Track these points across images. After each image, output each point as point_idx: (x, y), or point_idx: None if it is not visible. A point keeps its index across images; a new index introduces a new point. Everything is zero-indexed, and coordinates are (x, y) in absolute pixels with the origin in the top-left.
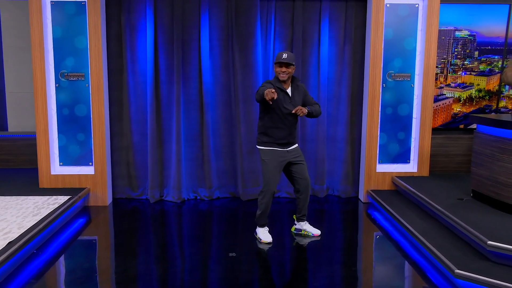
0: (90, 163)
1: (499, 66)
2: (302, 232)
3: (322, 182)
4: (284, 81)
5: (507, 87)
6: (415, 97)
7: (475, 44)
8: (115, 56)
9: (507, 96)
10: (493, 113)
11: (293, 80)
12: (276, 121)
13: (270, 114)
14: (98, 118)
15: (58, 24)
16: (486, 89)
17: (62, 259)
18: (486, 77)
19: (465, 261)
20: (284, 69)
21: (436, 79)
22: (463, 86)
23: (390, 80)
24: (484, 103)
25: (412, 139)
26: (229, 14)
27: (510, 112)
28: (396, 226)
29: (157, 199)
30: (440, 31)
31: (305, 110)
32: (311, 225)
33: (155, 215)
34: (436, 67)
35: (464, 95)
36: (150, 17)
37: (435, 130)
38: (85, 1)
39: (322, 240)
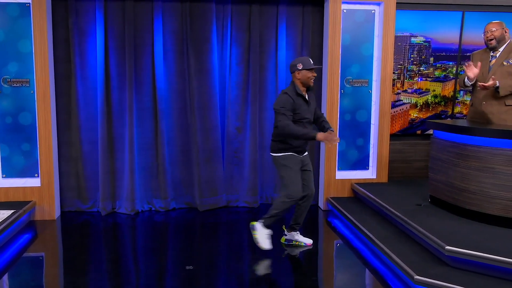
0: (36, 175)
1: (454, 72)
2: (293, 242)
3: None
4: (306, 88)
5: (461, 92)
6: (373, 103)
7: (430, 50)
8: (63, 61)
9: (461, 102)
10: (448, 119)
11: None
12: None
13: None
14: (44, 127)
15: (0, 26)
16: (441, 95)
17: (5, 278)
18: (441, 83)
19: (424, 267)
20: (314, 74)
21: (393, 85)
22: (420, 92)
23: (348, 86)
24: (440, 108)
25: (371, 145)
26: (183, 18)
27: (465, 117)
28: (356, 234)
29: (109, 211)
30: (396, 37)
31: (337, 139)
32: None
33: (107, 229)
34: (393, 73)
35: (421, 101)
36: (100, 21)
37: (393, 136)
38: (29, 3)
39: (282, 249)
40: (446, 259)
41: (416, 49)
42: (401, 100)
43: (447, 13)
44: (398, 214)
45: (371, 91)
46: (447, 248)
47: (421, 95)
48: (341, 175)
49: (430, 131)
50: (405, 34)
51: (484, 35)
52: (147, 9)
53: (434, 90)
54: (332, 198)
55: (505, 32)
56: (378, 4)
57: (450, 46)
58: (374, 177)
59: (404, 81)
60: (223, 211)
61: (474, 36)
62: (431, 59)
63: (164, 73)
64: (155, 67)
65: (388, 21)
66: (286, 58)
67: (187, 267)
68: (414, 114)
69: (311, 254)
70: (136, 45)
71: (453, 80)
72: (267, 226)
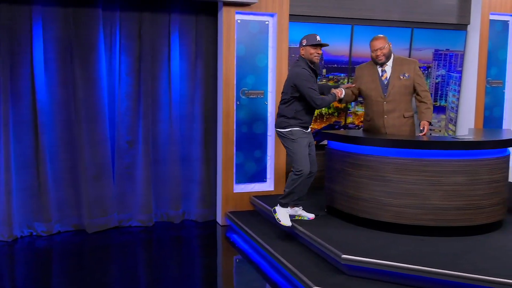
0: None
1: (345, 83)
2: (296, 217)
3: (178, 206)
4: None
5: (352, 103)
6: (269, 114)
7: (322, 62)
8: None
9: (353, 113)
10: (342, 129)
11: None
12: (309, 107)
13: (304, 99)
14: None
15: None
16: (334, 106)
17: None
18: None
19: (322, 277)
20: (319, 51)
21: None
22: None
23: (244, 97)
24: (333, 119)
25: (268, 157)
26: (66, 24)
27: (357, 128)
28: (255, 248)
29: None
30: (290, 49)
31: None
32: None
33: None
34: None
35: (315, 112)
36: None
37: None
38: None
39: (181, 269)
40: (343, 268)
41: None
42: None
43: (338, 26)
44: (296, 225)
45: (267, 102)
46: (343, 256)
47: None
48: (239, 188)
49: (325, 142)
50: (298, 45)
51: (373, 52)
52: (24, 13)
53: None
54: (231, 212)
55: (390, 47)
56: (272, 15)
57: (341, 58)
58: (272, 189)
59: None
60: (115, 231)
61: (362, 49)
62: (324, 70)
63: (46, 83)
64: (34, 77)
65: (281, 33)
66: (180, 68)
67: None
68: None
69: (210, 271)
70: (12, 52)
71: None
72: (285, 205)
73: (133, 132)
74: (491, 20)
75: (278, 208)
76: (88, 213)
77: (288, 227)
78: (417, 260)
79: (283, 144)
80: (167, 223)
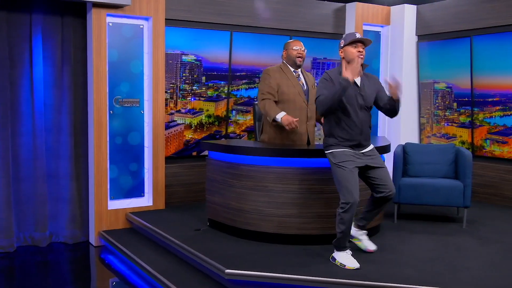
0: None
1: (226, 91)
2: (355, 240)
3: (44, 228)
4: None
5: (233, 112)
6: (145, 124)
7: (202, 69)
8: None
9: (234, 122)
10: (223, 139)
11: (362, 67)
12: (343, 119)
13: (335, 111)
14: None
15: None
16: (215, 114)
17: None
18: (214, 103)
19: None
20: (361, 49)
21: (166, 105)
22: (193, 112)
23: (118, 106)
24: (214, 129)
25: (146, 170)
26: None
27: (238, 137)
28: (133, 268)
29: None
30: (167, 55)
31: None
32: None
33: None
34: (166, 92)
35: (195, 121)
36: None
37: (168, 159)
38: None
39: None
40: (227, 283)
41: (187, 67)
42: (175, 120)
43: (217, 32)
44: (177, 241)
45: (143, 111)
46: (227, 271)
47: (195, 115)
48: (114, 204)
49: (206, 152)
50: (176, 51)
51: (295, 51)
52: None
53: (207, 110)
54: (105, 231)
55: None
56: (147, 19)
57: (220, 65)
58: (151, 204)
59: (177, 100)
60: None
61: (242, 56)
62: (203, 78)
63: None
64: None
65: (157, 38)
66: (44, 75)
67: None
68: (189, 135)
69: None
70: None
71: (225, 100)
72: (342, 248)
73: None
74: (364, 30)
75: (336, 254)
76: None
77: (357, 268)
78: (301, 269)
79: None
80: (32, 247)
